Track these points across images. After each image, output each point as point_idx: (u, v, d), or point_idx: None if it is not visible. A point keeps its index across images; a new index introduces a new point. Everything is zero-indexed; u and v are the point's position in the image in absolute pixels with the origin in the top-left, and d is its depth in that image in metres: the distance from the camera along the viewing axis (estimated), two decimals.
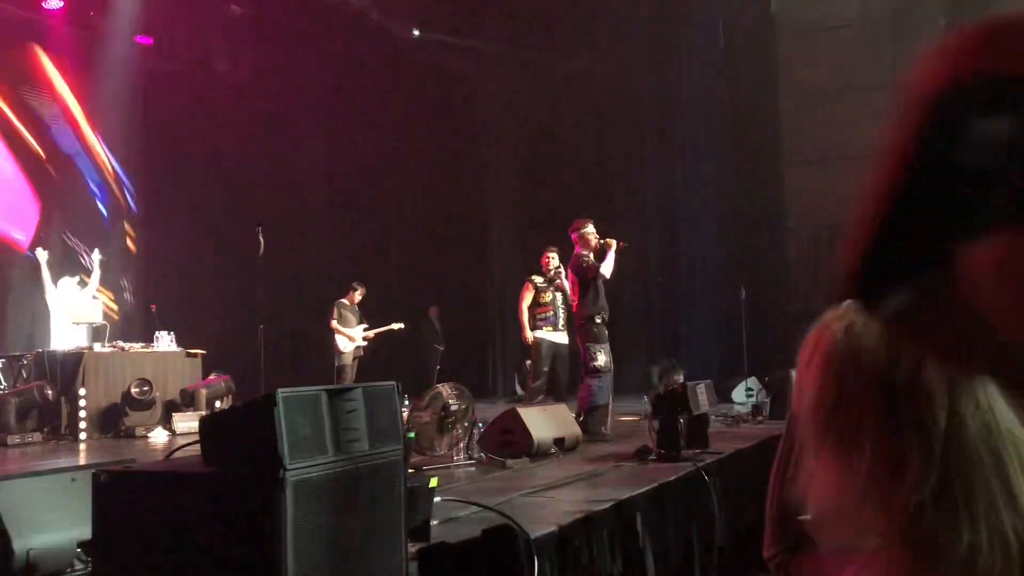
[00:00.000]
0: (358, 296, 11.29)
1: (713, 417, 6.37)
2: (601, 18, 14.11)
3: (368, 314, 11.42)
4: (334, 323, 11.00)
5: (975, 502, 0.91)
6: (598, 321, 7.23)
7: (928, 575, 0.91)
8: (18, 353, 9.47)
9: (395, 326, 11.46)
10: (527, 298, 8.14)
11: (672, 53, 14.60)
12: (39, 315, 9.83)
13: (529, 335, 8.00)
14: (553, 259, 8.10)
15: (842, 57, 13.46)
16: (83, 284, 9.97)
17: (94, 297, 9.98)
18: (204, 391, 9.84)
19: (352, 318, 11.18)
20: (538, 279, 8.19)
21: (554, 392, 7.96)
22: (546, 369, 7.96)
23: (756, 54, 14.17)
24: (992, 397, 0.96)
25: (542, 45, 14.47)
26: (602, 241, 7.43)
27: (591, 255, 7.37)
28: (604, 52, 13.98)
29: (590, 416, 7.01)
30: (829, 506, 1.00)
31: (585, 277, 7.28)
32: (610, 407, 7.19)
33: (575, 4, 14.07)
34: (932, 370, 0.96)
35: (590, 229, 7.48)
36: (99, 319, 9.98)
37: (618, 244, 7.41)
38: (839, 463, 0.98)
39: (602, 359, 7.16)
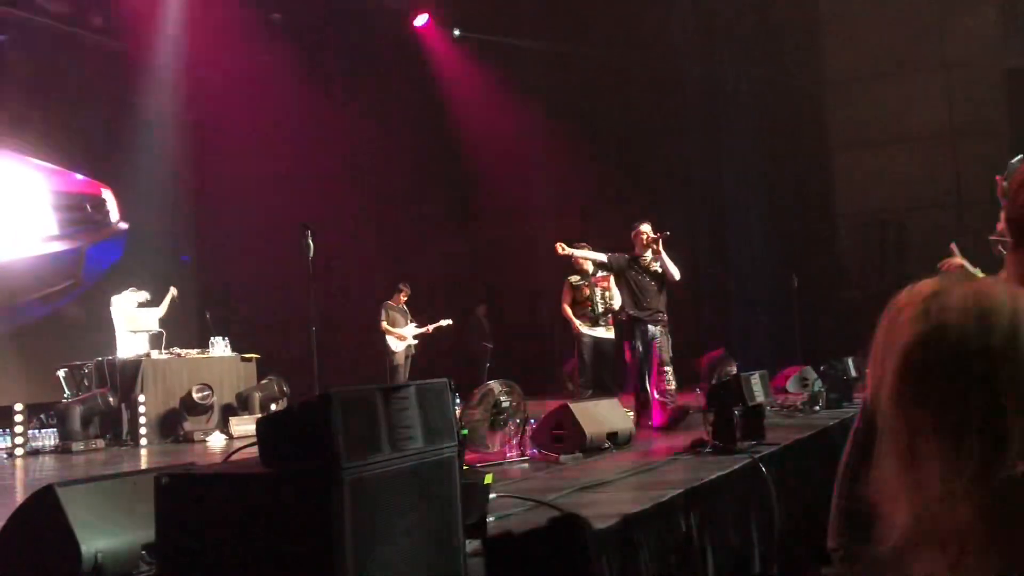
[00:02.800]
0: (404, 296, 11.43)
1: (768, 408, 6.29)
2: (643, 4, 14.01)
3: (416, 314, 11.53)
4: (384, 324, 11.16)
5: None
6: (630, 316, 7.56)
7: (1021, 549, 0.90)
8: (79, 362, 9.71)
9: (443, 323, 11.59)
10: (567, 298, 8.47)
11: (716, 38, 14.42)
12: (105, 324, 10.10)
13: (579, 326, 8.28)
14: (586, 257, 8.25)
15: (890, 37, 13.17)
16: (147, 301, 10.17)
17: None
18: (258, 394, 10.00)
19: (401, 318, 11.31)
20: (574, 278, 8.51)
21: (603, 387, 8.04)
22: (589, 365, 8.06)
23: (802, 37, 13.93)
24: None
25: (584, 34, 14.40)
26: (652, 239, 7.59)
27: (643, 253, 7.61)
28: (647, 39, 13.87)
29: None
30: (916, 488, 0.98)
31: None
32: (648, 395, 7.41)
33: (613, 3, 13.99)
34: None
35: (644, 228, 7.68)
36: (156, 327, 10.19)
37: (659, 236, 7.54)
38: (934, 433, 0.97)
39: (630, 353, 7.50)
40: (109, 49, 12.40)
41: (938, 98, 13.22)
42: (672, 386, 7.40)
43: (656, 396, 7.28)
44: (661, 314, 7.57)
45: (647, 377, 7.36)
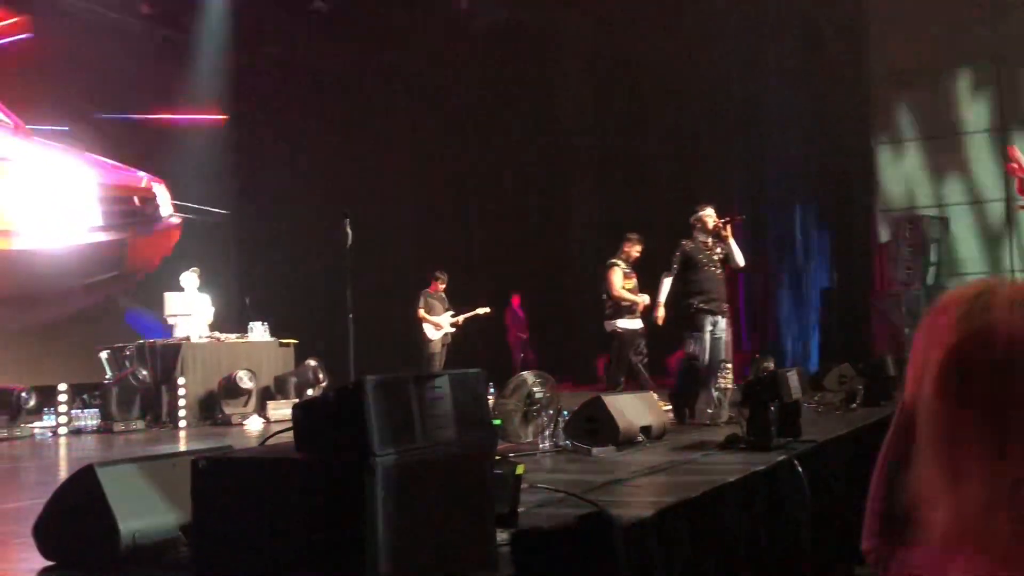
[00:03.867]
0: (441, 285, 11.43)
1: (805, 405, 6.22)
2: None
3: (454, 302, 11.55)
4: (421, 312, 11.16)
5: None
6: (693, 309, 7.06)
7: None
8: (121, 344, 9.90)
9: (481, 311, 11.58)
10: (616, 282, 8.05)
11: (759, 32, 14.23)
12: (153, 313, 10.36)
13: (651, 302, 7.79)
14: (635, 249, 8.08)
15: (935, 35, 12.91)
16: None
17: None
18: (295, 380, 10.11)
19: (438, 306, 11.32)
20: (623, 264, 8.14)
21: (638, 377, 7.92)
22: (629, 357, 7.93)
23: (846, 32, 13.71)
24: None
25: (625, 26, 14.29)
26: (717, 223, 7.22)
27: (700, 240, 7.23)
28: (689, 32, 13.74)
29: (682, 402, 7.04)
30: (956, 492, 0.96)
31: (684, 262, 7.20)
32: (710, 391, 6.99)
33: None
34: None
35: (708, 212, 7.29)
36: (210, 315, 10.39)
37: (730, 220, 7.24)
38: (975, 434, 0.95)
39: (692, 347, 7.03)
40: (159, 36, 12.57)
41: (986, 93, 12.94)
42: (730, 384, 7.08)
43: (714, 392, 6.96)
44: (726, 305, 7.22)
45: (707, 373, 6.98)
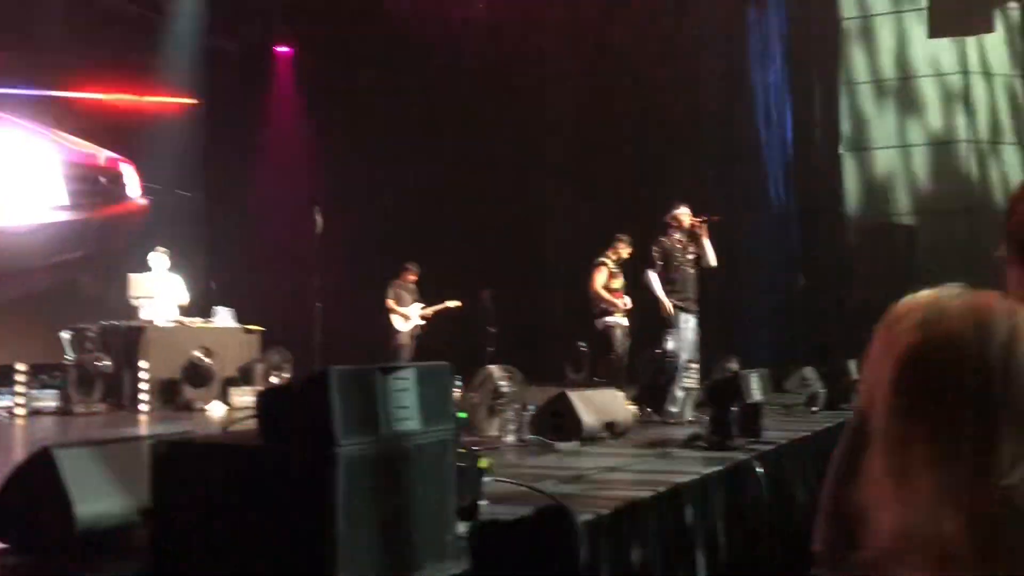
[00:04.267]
0: (412, 276, 11.36)
1: (767, 406, 6.30)
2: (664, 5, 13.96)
3: (425, 294, 11.49)
4: (390, 302, 11.08)
5: None
6: (671, 304, 7.18)
7: (1008, 566, 0.91)
8: (83, 325, 9.76)
9: (451, 304, 11.52)
10: (599, 280, 8.10)
11: (736, 37, 14.35)
12: (116, 294, 10.18)
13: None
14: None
15: (905, 45, 13.09)
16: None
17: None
18: (260, 367, 10.04)
19: (408, 298, 11.26)
20: (611, 263, 8.18)
21: (618, 375, 7.93)
22: (623, 354, 7.98)
23: (819, 39, 13.86)
24: None
25: (604, 32, 14.34)
26: (694, 222, 7.32)
27: (675, 238, 7.31)
28: (666, 37, 13.81)
29: (659, 398, 7.06)
30: (906, 498, 0.99)
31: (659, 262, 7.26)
32: (675, 390, 7.06)
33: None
34: None
35: (684, 211, 7.40)
36: (185, 297, 10.27)
37: (706, 220, 7.32)
38: (926, 444, 0.97)
39: (669, 343, 7.12)
40: (132, 16, 12.38)
41: (956, 105, 13.15)
42: (695, 384, 7.14)
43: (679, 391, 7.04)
44: (696, 304, 7.34)
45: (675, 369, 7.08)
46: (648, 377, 7.33)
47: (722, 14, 14.13)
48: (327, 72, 14.17)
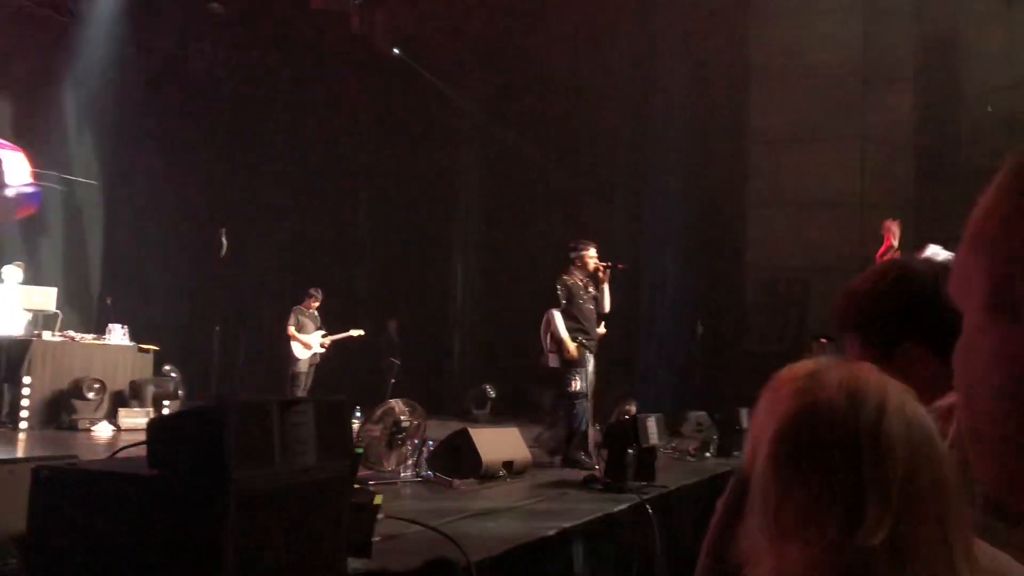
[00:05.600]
0: (315, 303, 11.14)
1: (662, 450, 6.42)
2: (579, 46, 14.27)
3: (328, 322, 11.31)
4: (291, 329, 10.82)
5: (920, 554, 0.97)
6: (576, 343, 7.08)
7: None
8: None
9: (354, 333, 11.32)
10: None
11: (648, 87, 14.79)
12: None
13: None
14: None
15: (812, 106, 13.73)
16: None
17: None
18: (152, 388, 9.70)
19: (310, 324, 11.04)
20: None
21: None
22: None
23: (730, 95, 14.40)
24: (943, 452, 1.02)
25: (518, 69, 14.57)
26: (599, 266, 7.25)
27: (577, 276, 7.21)
28: (580, 81, 14.14)
29: (569, 441, 6.92)
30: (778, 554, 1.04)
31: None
32: (589, 432, 7.02)
33: (552, 43, 14.19)
34: (894, 421, 1.03)
35: (591, 253, 7.30)
36: (52, 307, 9.82)
37: (611, 266, 7.26)
38: (798, 506, 1.03)
39: (578, 383, 7.01)
40: (30, 11, 11.95)
41: (853, 168, 13.81)
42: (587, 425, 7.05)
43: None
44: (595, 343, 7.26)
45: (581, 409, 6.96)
46: (565, 419, 7.08)
47: (636, 59, 14.56)
48: (236, 94, 13.96)
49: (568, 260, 7.34)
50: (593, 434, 7.01)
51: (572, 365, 7.04)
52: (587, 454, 6.80)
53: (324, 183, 15.04)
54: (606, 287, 7.30)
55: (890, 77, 13.64)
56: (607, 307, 7.36)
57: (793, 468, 1.06)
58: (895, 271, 1.72)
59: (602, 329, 7.52)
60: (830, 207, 13.78)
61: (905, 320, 1.62)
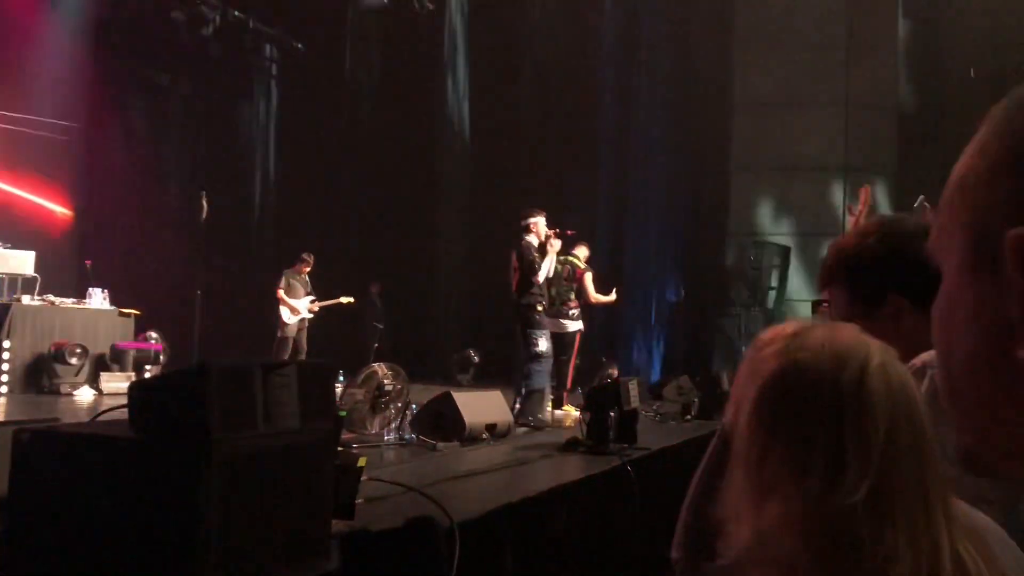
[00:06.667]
0: (307, 268, 11.11)
1: (643, 414, 6.47)
2: (563, 9, 14.14)
3: (315, 287, 11.28)
4: (280, 293, 10.78)
5: (899, 511, 0.99)
6: (539, 308, 7.31)
7: (843, 572, 0.98)
8: None
9: (344, 300, 11.32)
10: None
11: (633, 46, 14.69)
12: None
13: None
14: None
15: (795, 70, 13.69)
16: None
17: None
18: (133, 352, 9.67)
19: (300, 289, 11.00)
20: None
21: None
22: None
23: (715, 60, 14.33)
24: (923, 411, 1.04)
25: (504, 30, 14.44)
26: (549, 234, 7.51)
27: (536, 249, 7.45)
28: (566, 45, 14.02)
29: (527, 401, 7.09)
30: (759, 511, 1.06)
31: (525, 268, 7.36)
32: (547, 393, 7.27)
33: (535, 5, 14.06)
34: (876, 380, 1.04)
35: (541, 220, 7.54)
36: (30, 270, 9.73)
37: (556, 233, 7.49)
38: (781, 463, 1.04)
39: (543, 344, 7.22)
40: None
41: (836, 133, 13.82)
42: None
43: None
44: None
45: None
46: (530, 379, 7.35)
47: (622, 23, 14.44)
48: (225, 56, 13.76)
49: (521, 229, 7.51)
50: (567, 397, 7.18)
51: (536, 327, 7.22)
52: (542, 415, 7.04)
53: (306, 145, 14.91)
54: (552, 256, 7.50)
55: (874, 42, 13.60)
56: (541, 278, 7.45)
57: (775, 427, 1.07)
58: (882, 227, 1.74)
59: (613, 295, 7.99)
60: (813, 171, 13.80)
61: (888, 272, 1.65)
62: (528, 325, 7.31)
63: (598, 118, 14.78)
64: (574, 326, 8.22)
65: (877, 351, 1.08)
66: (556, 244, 7.55)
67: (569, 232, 7.77)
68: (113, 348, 9.65)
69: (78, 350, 9.17)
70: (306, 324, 11.08)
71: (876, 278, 1.66)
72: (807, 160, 13.82)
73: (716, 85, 14.26)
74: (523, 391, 7.16)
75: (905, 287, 1.61)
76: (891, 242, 1.68)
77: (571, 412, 7.48)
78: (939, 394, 0.67)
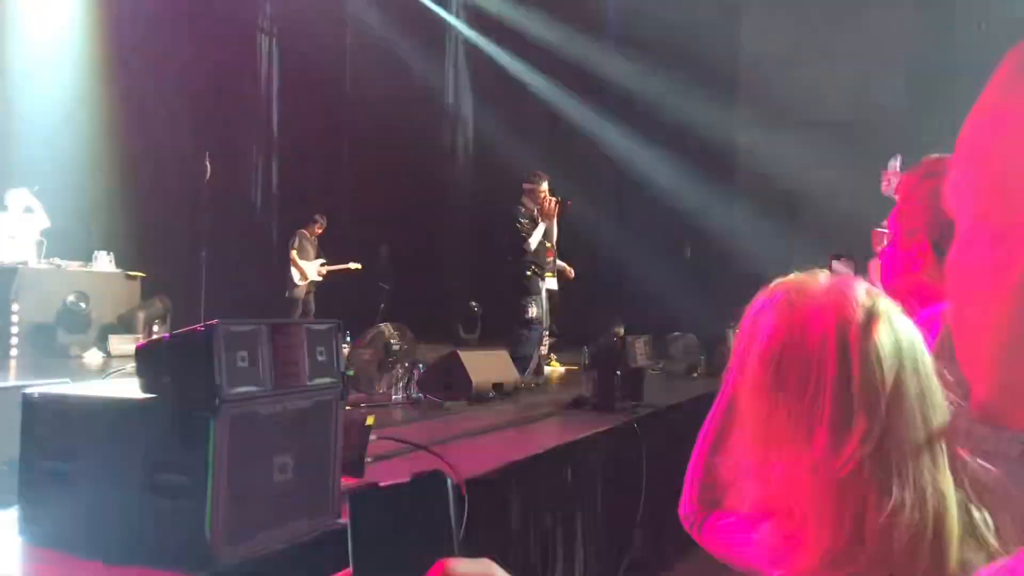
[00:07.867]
0: (319, 229, 11.15)
1: (650, 371, 6.49)
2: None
3: (324, 249, 11.30)
4: (293, 253, 10.84)
5: (906, 461, 0.98)
6: (529, 273, 7.32)
7: (854, 530, 0.98)
8: None
9: (352, 266, 11.37)
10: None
11: (637, 4, 14.49)
12: None
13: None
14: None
15: (805, 24, 13.49)
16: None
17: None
18: (142, 314, 9.71)
19: (311, 250, 11.05)
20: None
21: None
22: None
23: (720, 12, 14.13)
24: (929, 363, 1.03)
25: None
26: (555, 200, 7.43)
27: (532, 214, 7.40)
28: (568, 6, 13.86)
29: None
30: (767, 460, 1.05)
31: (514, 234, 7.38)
32: (536, 357, 7.30)
33: None
34: (882, 333, 1.03)
35: (544, 187, 7.42)
36: (37, 236, 9.74)
37: (561, 203, 7.43)
38: (788, 417, 1.04)
39: (533, 311, 7.24)
40: None
41: (845, 88, 13.64)
42: (546, 349, 7.48)
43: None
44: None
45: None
46: (520, 344, 7.33)
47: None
48: (226, 24, 13.61)
49: (520, 190, 7.45)
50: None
51: (528, 293, 7.20)
52: (531, 375, 7.04)
53: (312, 106, 14.81)
54: (554, 221, 7.41)
55: None
56: (534, 244, 7.40)
57: (781, 383, 1.07)
58: (929, 166, 1.75)
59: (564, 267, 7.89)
60: (822, 127, 13.65)
61: (919, 210, 1.66)
62: (518, 291, 7.30)
63: (599, 77, 14.60)
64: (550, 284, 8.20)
65: (884, 304, 1.07)
66: (552, 211, 7.40)
67: (568, 202, 7.69)
68: (121, 314, 9.70)
69: (82, 302, 9.12)
70: (314, 287, 11.13)
71: (911, 213, 1.70)
72: (816, 115, 13.66)
73: (722, 38, 14.07)
74: (521, 355, 7.16)
75: (929, 231, 1.63)
76: (928, 182, 1.70)
77: (556, 367, 7.61)
78: (952, 346, 0.66)
